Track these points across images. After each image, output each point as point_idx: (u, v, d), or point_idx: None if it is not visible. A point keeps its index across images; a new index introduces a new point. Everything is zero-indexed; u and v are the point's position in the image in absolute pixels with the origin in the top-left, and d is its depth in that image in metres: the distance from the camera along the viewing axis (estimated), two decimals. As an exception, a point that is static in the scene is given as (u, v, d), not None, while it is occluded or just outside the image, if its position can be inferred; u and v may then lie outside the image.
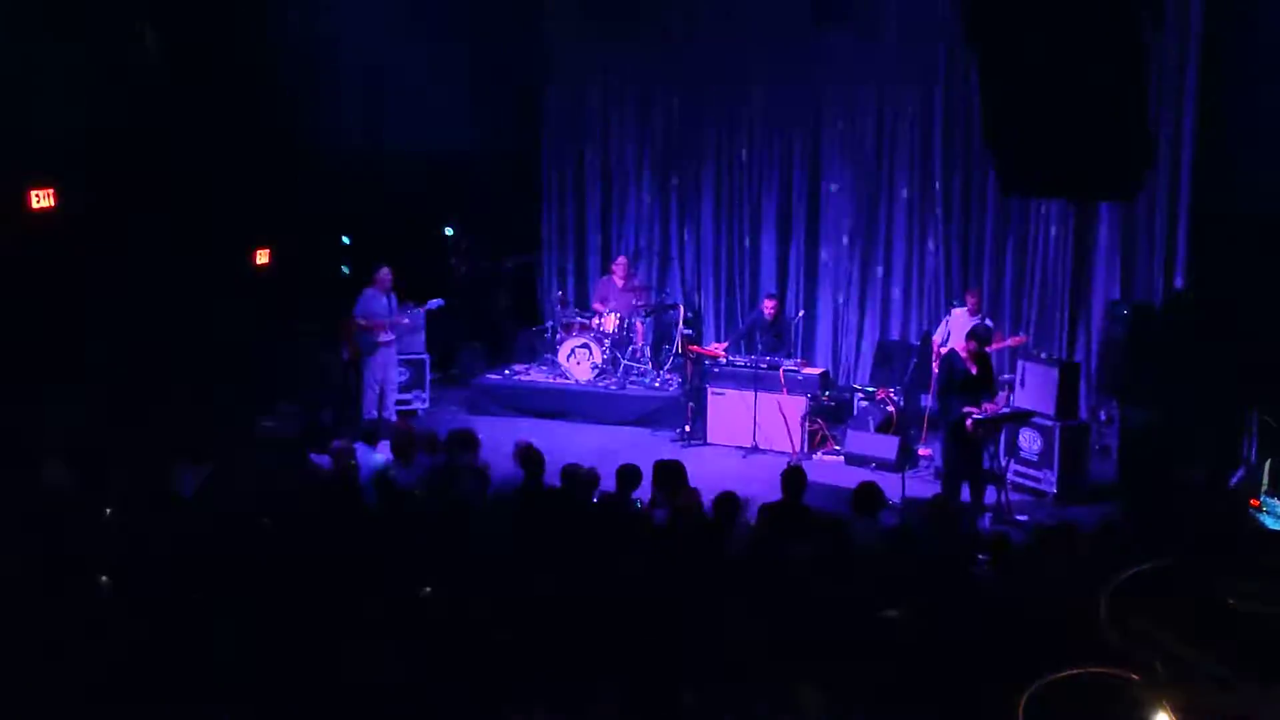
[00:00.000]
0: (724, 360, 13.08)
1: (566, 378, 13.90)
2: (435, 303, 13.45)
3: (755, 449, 12.47)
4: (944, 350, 11.52)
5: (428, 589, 6.18)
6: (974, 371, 10.32)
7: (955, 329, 11.93)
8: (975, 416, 10.13)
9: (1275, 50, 11.17)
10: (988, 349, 10.70)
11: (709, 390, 12.88)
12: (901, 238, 14.04)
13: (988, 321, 11.89)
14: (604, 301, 14.26)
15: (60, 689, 5.49)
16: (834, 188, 14.32)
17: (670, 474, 8.47)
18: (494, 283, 15.14)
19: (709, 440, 12.75)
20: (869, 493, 8.30)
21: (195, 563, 6.89)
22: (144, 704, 5.50)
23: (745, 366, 12.85)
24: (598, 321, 14.06)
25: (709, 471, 10.65)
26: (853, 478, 9.58)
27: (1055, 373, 11.11)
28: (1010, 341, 12.59)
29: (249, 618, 6.17)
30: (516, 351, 14.88)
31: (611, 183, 15.43)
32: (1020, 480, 11.16)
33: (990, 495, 10.44)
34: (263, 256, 13.27)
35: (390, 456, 9.43)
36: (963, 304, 12.48)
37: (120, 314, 11.44)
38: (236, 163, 12.38)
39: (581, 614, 6.27)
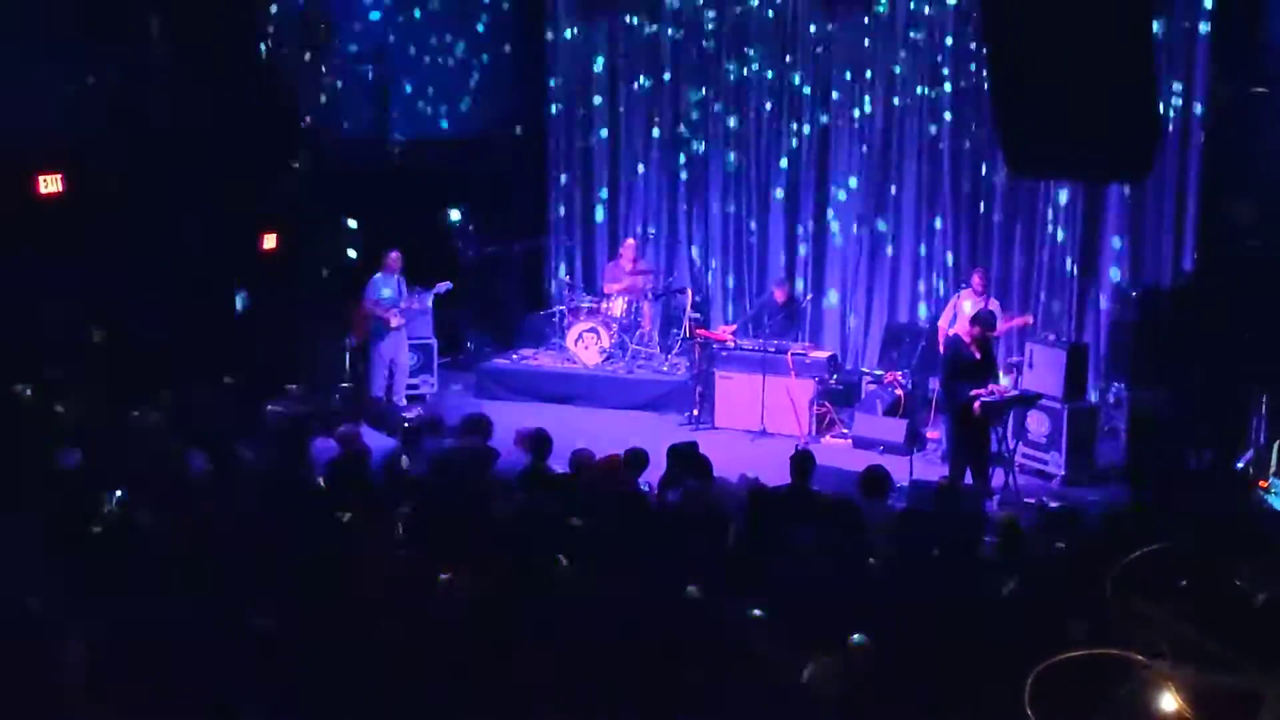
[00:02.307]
0: (732, 344, 13.07)
1: (574, 362, 13.90)
2: (443, 286, 13.44)
3: (763, 433, 12.46)
4: (950, 333, 11.49)
5: None
6: (977, 356, 10.32)
7: (961, 312, 11.90)
8: (983, 399, 10.13)
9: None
10: (993, 332, 10.68)
11: (717, 374, 12.87)
12: (910, 220, 13.99)
13: (992, 305, 11.84)
14: (612, 285, 14.23)
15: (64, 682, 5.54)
16: (842, 170, 14.28)
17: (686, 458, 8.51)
18: (501, 267, 15.12)
19: (717, 424, 12.75)
20: (877, 476, 8.31)
21: (209, 546, 6.94)
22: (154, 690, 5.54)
23: (753, 350, 12.83)
24: (605, 305, 14.05)
25: (717, 455, 10.64)
26: (860, 461, 9.59)
27: (1063, 355, 11.09)
28: (1016, 322, 12.55)
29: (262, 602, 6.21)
30: (524, 336, 14.88)
31: (619, 166, 15.39)
32: (1028, 462, 11.15)
33: (998, 478, 10.44)
34: (270, 241, 13.28)
35: (398, 441, 9.46)
36: (969, 284, 12.42)
37: (127, 299, 11.47)
38: (243, 147, 12.39)
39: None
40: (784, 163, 14.55)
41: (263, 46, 11.76)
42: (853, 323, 14.41)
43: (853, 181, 14.22)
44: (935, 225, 13.88)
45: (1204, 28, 11.97)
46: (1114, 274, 12.83)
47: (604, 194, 15.49)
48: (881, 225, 14.16)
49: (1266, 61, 11.40)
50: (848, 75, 14.12)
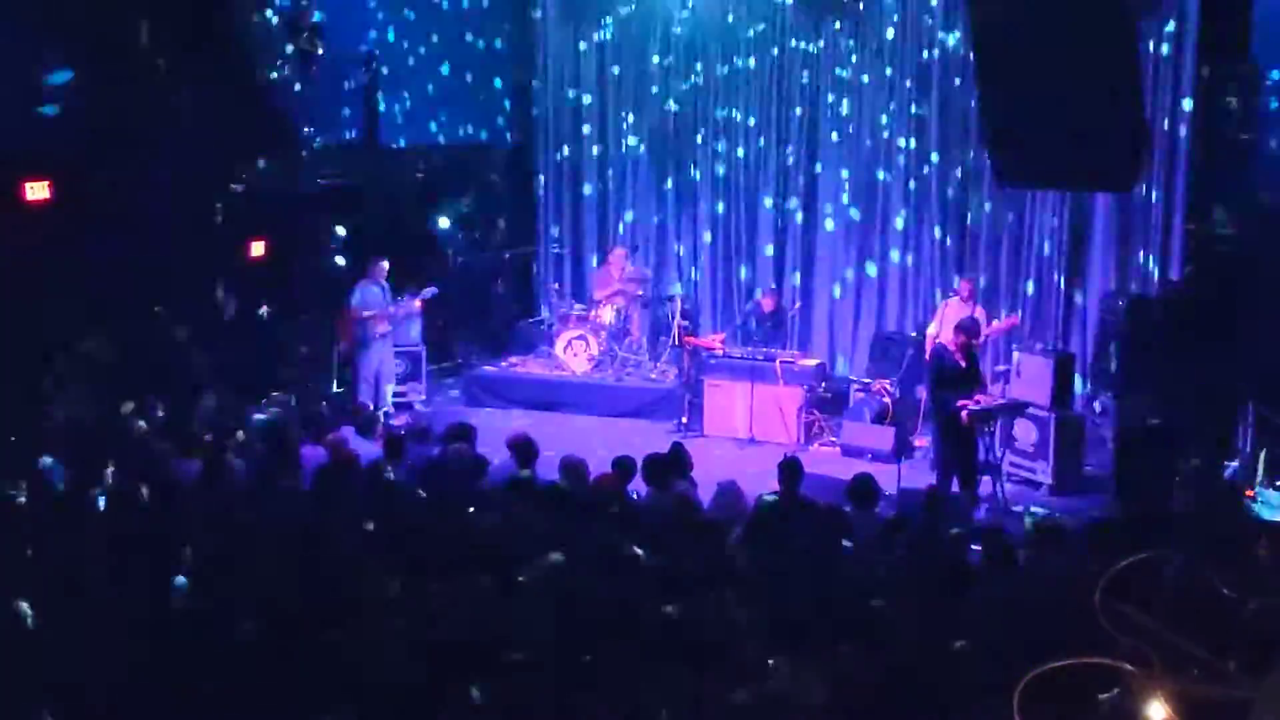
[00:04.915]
0: (721, 352, 13.07)
1: (563, 369, 13.88)
2: (430, 291, 13.40)
3: (752, 440, 12.46)
4: (936, 342, 11.51)
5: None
6: (963, 364, 10.34)
7: (948, 319, 11.92)
8: (970, 408, 10.14)
9: (1272, 36, 11.19)
10: (977, 339, 10.70)
11: (706, 382, 12.87)
12: (898, 229, 14.03)
13: (978, 313, 11.85)
14: (601, 292, 14.22)
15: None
16: (830, 178, 14.30)
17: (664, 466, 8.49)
18: (491, 274, 15.11)
19: (705, 432, 12.74)
20: (865, 484, 8.31)
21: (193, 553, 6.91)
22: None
23: (742, 358, 12.84)
24: (594, 313, 14.03)
25: (706, 463, 10.64)
26: (849, 469, 9.59)
27: (1051, 363, 11.11)
28: (1004, 324, 12.55)
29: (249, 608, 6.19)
30: (513, 343, 14.87)
31: (608, 173, 15.39)
32: (1015, 471, 11.16)
33: (986, 486, 10.45)
34: (258, 248, 13.25)
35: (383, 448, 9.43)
36: (956, 292, 12.42)
37: (116, 305, 11.44)
38: (233, 155, 12.38)
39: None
40: (772, 171, 14.56)
41: (251, 53, 11.75)
42: (841, 331, 14.42)
43: (841, 190, 14.25)
44: (923, 234, 13.90)
45: (1192, 36, 12.00)
46: (1101, 283, 12.85)
47: (594, 201, 15.48)
48: (869, 234, 14.17)
49: (1253, 71, 11.46)
50: (835, 86, 14.14)
